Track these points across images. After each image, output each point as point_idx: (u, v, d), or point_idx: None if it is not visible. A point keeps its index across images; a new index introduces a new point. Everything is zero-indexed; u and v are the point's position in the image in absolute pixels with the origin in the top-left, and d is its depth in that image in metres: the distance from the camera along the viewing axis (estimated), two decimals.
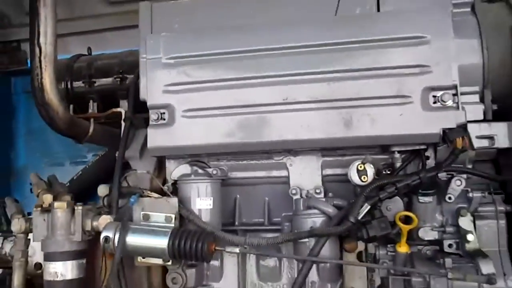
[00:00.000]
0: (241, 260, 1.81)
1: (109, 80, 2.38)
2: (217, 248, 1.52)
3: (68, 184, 2.53)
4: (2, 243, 1.86)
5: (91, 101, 2.33)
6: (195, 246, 1.47)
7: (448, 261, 1.47)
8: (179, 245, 1.48)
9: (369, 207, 1.49)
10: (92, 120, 2.02)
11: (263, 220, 1.81)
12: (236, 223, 1.82)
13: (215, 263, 1.81)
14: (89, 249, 1.67)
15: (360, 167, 1.55)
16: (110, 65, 2.43)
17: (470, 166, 1.62)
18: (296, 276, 1.70)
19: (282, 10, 1.68)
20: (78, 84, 2.40)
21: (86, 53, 2.64)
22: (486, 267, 1.40)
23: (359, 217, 1.49)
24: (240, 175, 1.82)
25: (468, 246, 1.47)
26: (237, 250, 1.52)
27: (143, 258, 1.59)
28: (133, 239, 1.51)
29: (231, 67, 1.66)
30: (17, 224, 1.66)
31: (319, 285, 1.70)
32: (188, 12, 1.74)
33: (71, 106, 2.27)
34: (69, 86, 2.40)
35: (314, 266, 1.72)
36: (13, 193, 2.98)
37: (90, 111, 2.17)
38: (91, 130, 2.01)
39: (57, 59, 1.93)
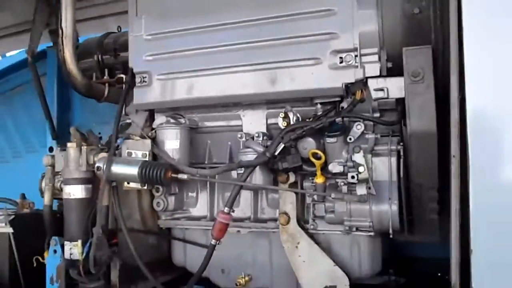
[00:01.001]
0: (210, 192, 2.34)
1: None
2: (172, 175, 2.05)
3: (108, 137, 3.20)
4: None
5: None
6: (156, 173, 2.02)
7: (343, 188, 1.89)
8: (145, 172, 2.03)
9: (283, 145, 1.93)
10: (106, 84, 2.61)
11: (226, 160, 2.32)
12: (206, 162, 2.34)
13: (192, 194, 2.37)
14: (95, 177, 2.27)
15: (282, 115, 1.99)
16: None
17: (377, 115, 2.00)
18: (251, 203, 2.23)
19: None
20: (106, 57, 3.01)
21: (116, 31, 3.24)
22: (360, 190, 1.81)
23: (276, 153, 1.94)
24: (209, 124, 2.33)
25: (360, 176, 1.86)
26: (185, 176, 2.04)
27: (128, 183, 2.17)
28: (116, 168, 2.09)
29: (190, 41, 2.17)
30: (45, 160, 2.32)
31: (267, 210, 2.22)
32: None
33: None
34: (99, 58, 3.00)
35: (264, 195, 2.23)
36: None
37: (105, 77, 2.74)
38: (106, 92, 2.60)
39: (90, 38, 2.54)
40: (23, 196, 2.74)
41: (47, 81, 3.69)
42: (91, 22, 3.54)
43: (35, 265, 2.33)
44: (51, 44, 3.61)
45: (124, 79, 2.44)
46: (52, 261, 2.16)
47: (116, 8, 3.42)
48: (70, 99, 3.79)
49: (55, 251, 2.16)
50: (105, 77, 2.69)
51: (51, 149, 3.67)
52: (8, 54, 4.31)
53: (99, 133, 3.39)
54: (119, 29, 3.24)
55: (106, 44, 3.03)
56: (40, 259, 2.32)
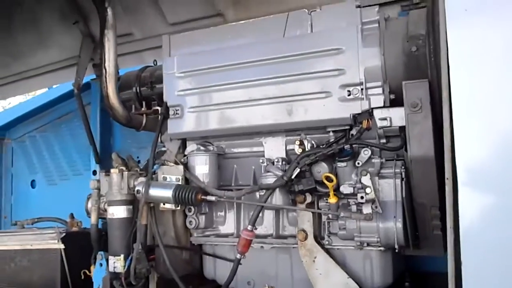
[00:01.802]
0: (237, 211, 2.59)
1: None
2: (202, 197, 2.32)
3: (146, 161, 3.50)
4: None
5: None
6: (188, 195, 2.30)
7: (353, 207, 2.11)
8: (178, 194, 2.31)
9: (298, 169, 2.17)
10: (144, 115, 2.91)
11: (250, 182, 2.57)
12: (233, 184, 2.60)
13: (220, 213, 2.63)
14: (135, 199, 2.56)
15: (298, 142, 2.24)
16: None
17: (383, 141, 2.22)
18: (273, 221, 2.47)
19: (250, 36, 2.41)
20: (143, 88, 3.32)
21: (153, 64, 3.56)
22: (366, 209, 2.02)
23: (292, 177, 2.18)
24: (235, 151, 2.59)
25: (367, 197, 2.08)
26: (213, 198, 2.31)
27: (163, 204, 2.45)
28: (153, 191, 2.38)
29: (218, 77, 2.45)
30: (92, 184, 2.64)
31: (287, 227, 2.46)
32: (191, 41, 2.56)
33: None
34: (138, 90, 3.32)
35: (285, 214, 2.47)
36: None
37: (143, 109, 3.05)
38: (143, 122, 2.90)
39: (129, 71, 2.86)
40: (72, 216, 3.06)
41: (91, 110, 4.05)
42: (129, 56, 3.88)
43: (83, 277, 2.63)
44: (94, 76, 4.01)
45: (159, 111, 2.74)
46: (98, 273, 2.44)
47: (152, 44, 3.73)
48: (111, 126, 4.14)
49: (101, 264, 2.45)
50: (142, 109, 2.99)
51: (94, 172, 4.02)
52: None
53: (138, 157, 3.74)
54: (155, 63, 3.54)
55: (143, 77, 3.30)
56: (87, 272, 2.62)
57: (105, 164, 4.00)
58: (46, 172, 4.49)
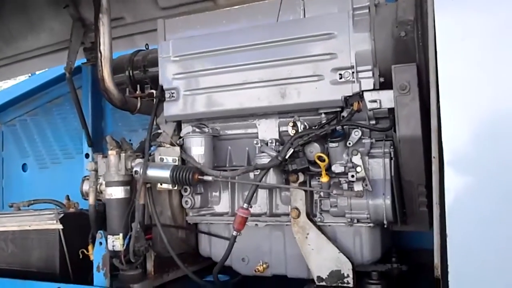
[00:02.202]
0: (231, 191, 2.67)
1: (157, 68, 3.23)
2: (199, 177, 2.40)
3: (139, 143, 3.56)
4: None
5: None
6: (185, 175, 2.37)
7: (344, 185, 2.22)
8: (176, 175, 2.39)
9: (292, 150, 2.27)
10: (138, 98, 2.97)
11: (244, 163, 2.65)
12: (227, 165, 2.68)
13: (215, 193, 2.72)
14: (133, 180, 2.63)
15: (291, 124, 2.33)
16: None
17: (373, 122, 2.32)
18: (266, 200, 2.57)
19: (244, 20, 2.48)
20: (136, 72, 3.36)
21: (145, 48, 3.60)
22: (357, 187, 2.13)
23: (286, 157, 2.27)
24: (229, 132, 2.67)
25: (357, 175, 2.18)
26: (210, 178, 2.39)
27: (161, 185, 2.53)
28: (150, 172, 2.45)
29: (213, 61, 2.52)
30: (89, 165, 2.70)
31: (280, 206, 2.56)
32: (186, 25, 2.61)
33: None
34: (130, 74, 3.35)
35: (278, 193, 2.57)
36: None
37: (137, 92, 3.10)
38: (138, 105, 2.96)
39: (122, 55, 2.90)
40: (68, 198, 3.12)
41: (82, 94, 4.08)
42: (121, 40, 3.91)
43: (81, 256, 2.70)
44: (85, 60, 4.03)
45: (154, 94, 2.80)
46: (98, 252, 2.51)
47: (143, 27, 3.76)
48: (102, 110, 4.18)
49: (100, 243, 2.52)
50: (137, 92, 3.05)
51: (87, 155, 4.08)
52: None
53: (130, 140, 3.79)
54: (147, 47, 3.59)
55: (136, 61, 3.35)
56: (85, 251, 2.70)
57: (97, 147, 4.06)
58: (38, 156, 4.53)
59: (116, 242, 2.50)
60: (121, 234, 2.50)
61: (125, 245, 2.49)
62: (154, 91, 2.82)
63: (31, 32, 3.89)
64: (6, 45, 3.95)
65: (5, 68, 4.20)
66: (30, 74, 5.12)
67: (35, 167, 4.55)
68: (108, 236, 2.52)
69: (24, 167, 4.61)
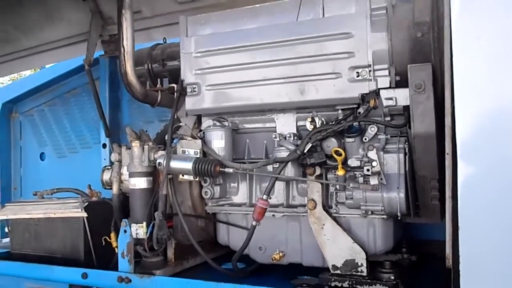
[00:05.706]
0: (249, 182, 2.78)
1: (176, 62, 3.05)
2: (220, 169, 2.51)
3: (155, 135, 3.67)
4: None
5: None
6: (207, 167, 2.48)
7: (360, 179, 2.32)
8: (198, 167, 2.50)
9: (310, 144, 2.37)
10: (159, 92, 3.06)
11: (262, 156, 2.76)
12: (245, 158, 2.79)
13: (234, 184, 2.83)
14: (155, 171, 2.74)
15: (310, 119, 2.43)
16: (177, 52, 3.20)
17: (388, 119, 2.42)
18: (283, 192, 2.68)
19: (264, 18, 2.57)
20: (155, 65, 3.45)
21: (163, 42, 3.68)
22: (373, 181, 2.24)
23: (305, 151, 2.37)
24: (248, 126, 2.78)
25: (373, 169, 2.28)
26: (230, 170, 2.50)
27: (182, 176, 2.64)
28: (173, 164, 2.56)
29: (234, 58, 2.62)
30: (113, 156, 2.81)
31: (297, 198, 2.66)
32: (208, 22, 2.71)
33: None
34: (149, 67, 3.44)
35: (295, 185, 2.67)
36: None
37: (158, 85, 3.20)
38: (159, 98, 3.05)
39: (141, 49, 2.98)
40: (90, 187, 3.24)
41: (100, 85, 4.18)
42: (137, 33, 3.98)
43: (103, 243, 2.83)
44: (102, 52, 4.13)
45: (175, 88, 2.90)
46: (123, 239, 2.63)
47: (160, 21, 3.85)
48: (119, 101, 4.28)
49: (125, 231, 2.63)
50: (158, 86, 3.14)
51: (104, 146, 4.19)
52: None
53: (146, 131, 3.89)
54: (165, 40, 3.69)
55: (155, 55, 3.44)
56: (108, 239, 2.82)
57: (114, 137, 4.17)
58: (56, 145, 4.63)
59: (139, 230, 2.62)
60: (144, 223, 2.61)
61: (148, 233, 2.61)
62: (174, 85, 2.92)
63: (49, 23, 3.98)
64: (25, 36, 4.05)
65: (21, 60, 4.29)
66: (39, 68, 5.24)
67: (53, 156, 4.66)
68: (132, 225, 2.64)
69: (42, 155, 4.73)
